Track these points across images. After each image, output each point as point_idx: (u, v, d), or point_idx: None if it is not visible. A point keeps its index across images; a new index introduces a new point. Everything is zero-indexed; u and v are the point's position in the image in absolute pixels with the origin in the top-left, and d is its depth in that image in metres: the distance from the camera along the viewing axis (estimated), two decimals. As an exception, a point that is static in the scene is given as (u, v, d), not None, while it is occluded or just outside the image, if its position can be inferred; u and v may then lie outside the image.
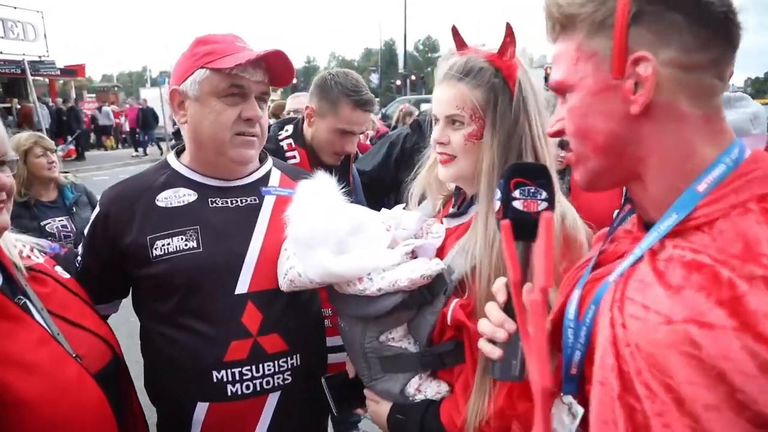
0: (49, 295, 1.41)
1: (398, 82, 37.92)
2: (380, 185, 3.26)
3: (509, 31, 1.40)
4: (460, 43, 1.51)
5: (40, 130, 16.83)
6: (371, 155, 3.50)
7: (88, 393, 1.32)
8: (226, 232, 1.64)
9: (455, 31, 1.51)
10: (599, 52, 0.90)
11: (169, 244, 1.59)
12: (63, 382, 1.28)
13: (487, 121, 1.40)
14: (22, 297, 1.34)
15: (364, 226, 1.53)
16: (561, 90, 0.97)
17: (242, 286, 1.61)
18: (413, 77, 36.40)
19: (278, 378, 1.63)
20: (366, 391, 1.63)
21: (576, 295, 1.02)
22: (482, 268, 1.35)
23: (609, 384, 0.83)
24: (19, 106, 20.20)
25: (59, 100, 22.94)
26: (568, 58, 0.94)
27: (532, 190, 1.04)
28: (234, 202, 1.70)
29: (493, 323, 1.06)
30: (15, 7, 22.88)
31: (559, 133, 1.01)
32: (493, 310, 1.07)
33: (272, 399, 1.63)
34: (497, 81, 1.40)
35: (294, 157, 2.53)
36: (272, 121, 3.35)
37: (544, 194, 1.04)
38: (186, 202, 1.66)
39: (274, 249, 1.64)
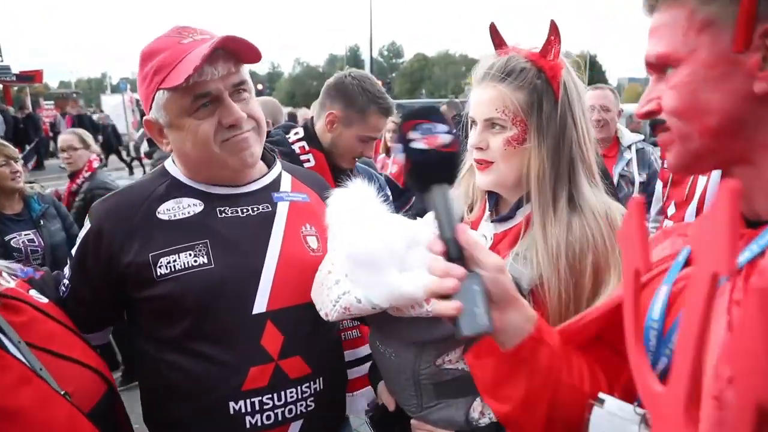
0: (26, 324, 1.24)
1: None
2: None
3: (554, 29, 1.32)
4: (499, 42, 1.41)
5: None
6: None
7: None
8: (239, 245, 1.47)
9: (494, 29, 1.40)
10: (717, 20, 0.80)
11: (175, 261, 1.41)
12: (52, 427, 1.12)
13: (531, 125, 1.32)
14: None
15: (417, 238, 1.29)
16: (661, 64, 0.88)
17: (260, 305, 1.43)
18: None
19: (301, 405, 1.47)
20: (414, 423, 1.46)
21: (664, 291, 0.90)
22: (550, 283, 1.27)
23: (726, 401, 0.67)
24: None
25: (10, 108, 22.11)
26: (676, 28, 0.84)
27: (427, 126, 0.97)
28: (245, 211, 1.52)
29: (438, 275, 0.91)
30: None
31: (650, 114, 0.91)
32: (434, 262, 0.92)
33: (294, 428, 1.47)
34: (540, 82, 1.32)
35: (308, 160, 2.38)
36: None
37: (442, 127, 0.98)
38: (191, 213, 1.48)
39: (292, 261, 1.49)
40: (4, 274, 1.36)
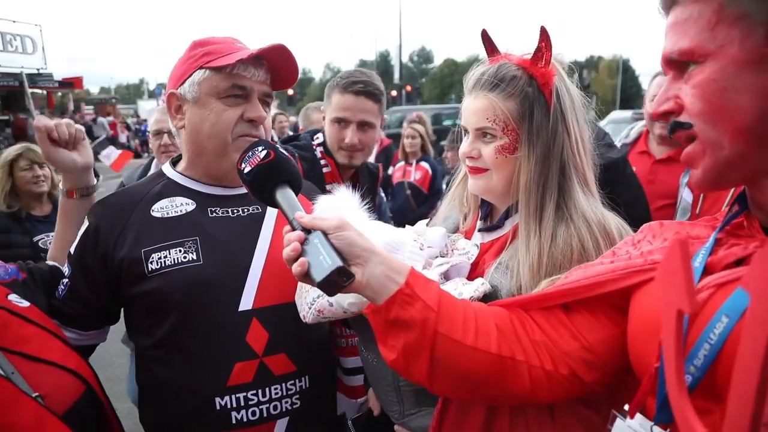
0: (0, 330, 1.23)
1: (393, 93, 38.05)
2: None
3: (544, 36, 1.30)
4: (490, 49, 1.40)
5: (35, 142, 16.89)
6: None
7: None
8: (228, 243, 1.51)
9: (485, 36, 1.40)
10: (751, 14, 0.76)
11: (166, 257, 1.46)
12: (15, 429, 1.09)
13: (522, 134, 1.30)
14: None
15: (398, 245, 1.36)
16: (684, 61, 0.83)
17: (246, 302, 1.48)
18: (408, 88, 36.48)
19: (286, 402, 1.50)
20: (397, 428, 1.49)
21: None
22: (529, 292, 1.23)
23: None
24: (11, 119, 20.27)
25: (52, 113, 23.00)
26: (702, 22, 0.80)
27: (248, 155, 1.22)
28: (235, 211, 1.58)
29: (285, 248, 1.05)
30: (14, 21, 23.09)
31: (668, 114, 0.87)
32: (284, 234, 1.08)
33: (280, 426, 1.50)
34: (531, 90, 1.30)
35: (326, 166, 2.37)
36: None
37: (260, 148, 1.22)
38: (184, 212, 1.53)
39: (279, 262, 1.49)
40: None
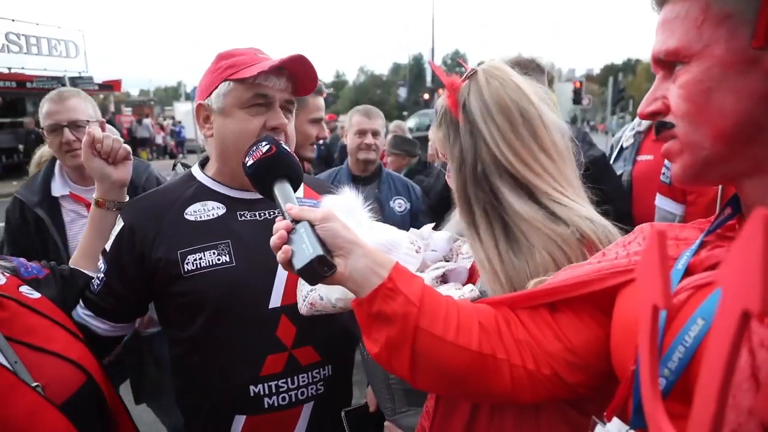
0: (7, 320, 1.28)
1: (426, 96, 38.00)
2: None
3: (435, 69, 1.35)
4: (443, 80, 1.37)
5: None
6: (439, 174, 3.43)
7: (46, 425, 1.18)
8: (257, 245, 1.58)
9: (434, 68, 1.41)
10: (736, 14, 0.74)
11: (201, 258, 1.56)
12: (9, 419, 1.13)
13: (448, 155, 1.31)
14: None
15: (393, 246, 1.42)
16: (670, 60, 0.82)
17: (276, 300, 1.60)
18: (440, 91, 36.42)
19: (312, 389, 1.65)
20: (387, 424, 1.57)
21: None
22: (495, 293, 1.21)
23: None
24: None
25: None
26: (688, 21, 0.78)
27: (252, 148, 1.32)
28: (262, 215, 1.68)
29: (275, 231, 1.11)
30: (59, 27, 23.97)
31: (655, 114, 0.85)
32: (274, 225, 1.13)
33: (306, 409, 1.65)
34: (446, 113, 1.30)
35: None
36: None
37: (263, 143, 1.31)
38: (215, 216, 1.64)
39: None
40: None
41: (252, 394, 1.58)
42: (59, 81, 19.33)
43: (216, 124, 1.64)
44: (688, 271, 0.84)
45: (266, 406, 1.59)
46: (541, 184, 1.22)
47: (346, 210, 1.45)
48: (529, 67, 2.58)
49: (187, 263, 1.56)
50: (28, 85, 21.58)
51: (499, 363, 1.01)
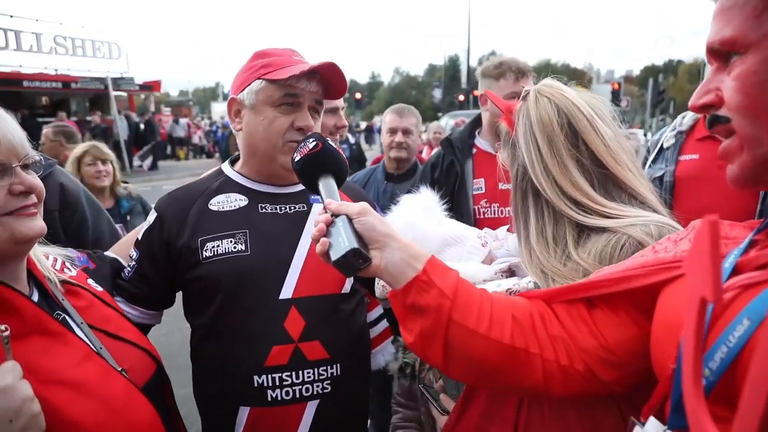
0: (87, 308, 1.36)
1: (461, 98, 37.81)
2: None
3: (492, 98, 1.48)
4: (499, 106, 1.50)
5: (118, 141, 18.26)
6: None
7: (137, 408, 1.28)
8: (275, 236, 1.66)
9: (490, 97, 1.54)
10: None
11: (218, 246, 1.62)
12: (111, 400, 1.22)
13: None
14: (60, 312, 1.29)
15: (459, 239, 1.53)
16: (726, 51, 0.79)
17: (287, 292, 1.62)
18: (475, 92, 36.19)
19: (317, 386, 1.62)
20: (443, 397, 1.58)
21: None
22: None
23: None
24: (98, 119, 21.67)
25: (133, 114, 24.43)
26: (747, 10, 0.76)
27: (301, 145, 1.39)
28: (283, 208, 1.72)
29: (315, 224, 1.16)
30: (103, 29, 24.78)
31: (707, 107, 0.83)
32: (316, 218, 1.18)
33: (311, 407, 1.62)
34: (507, 134, 1.41)
35: None
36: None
37: (311, 140, 1.37)
38: (237, 207, 1.70)
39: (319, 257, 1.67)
40: (66, 263, 1.49)
41: (256, 385, 1.58)
42: (102, 82, 19.93)
43: (246, 119, 1.70)
44: (736, 270, 0.81)
45: (269, 398, 1.59)
46: (565, 209, 1.27)
47: (423, 207, 1.63)
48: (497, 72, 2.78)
49: (206, 250, 1.62)
50: (73, 85, 22.33)
51: (531, 357, 1.02)
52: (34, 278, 1.32)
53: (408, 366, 1.84)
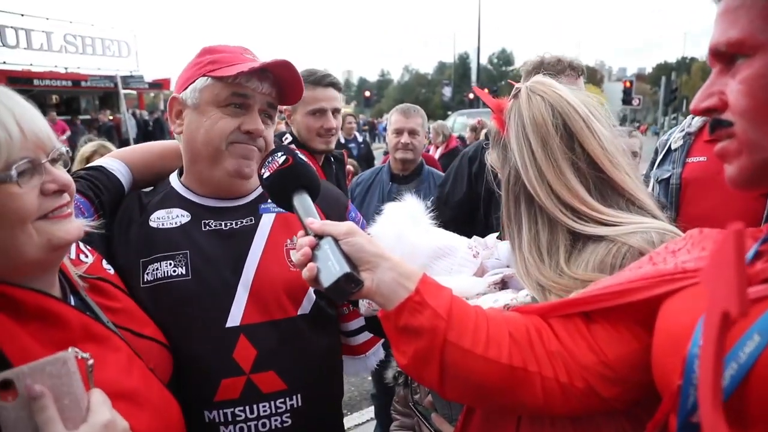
0: (113, 307, 1.26)
1: (471, 96, 37.71)
2: (473, 206, 3.16)
3: (479, 94, 1.41)
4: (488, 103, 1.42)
5: (127, 140, 18.35)
6: (456, 179, 3.30)
7: (172, 409, 1.23)
8: (218, 258, 1.49)
9: (478, 93, 1.47)
10: None
11: (157, 269, 1.46)
12: (158, 406, 1.16)
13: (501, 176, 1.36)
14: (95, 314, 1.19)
15: (450, 251, 1.45)
16: (732, 53, 0.78)
17: (234, 319, 1.46)
18: (486, 90, 36.01)
19: (275, 420, 1.47)
20: (434, 416, 1.51)
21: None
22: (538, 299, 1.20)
23: None
24: (111, 117, 21.83)
25: (144, 112, 24.57)
26: (755, 10, 0.74)
27: (268, 160, 1.26)
28: (228, 224, 1.55)
29: (298, 248, 1.09)
30: (112, 27, 24.92)
31: (711, 111, 0.81)
32: (298, 238, 1.12)
33: None
34: (497, 133, 1.35)
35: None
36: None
37: (279, 154, 1.25)
38: (178, 224, 1.53)
39: (270, 276, 1.50)
40: (81, 246, 1.33)
41: (207, 420, 1.43)
42: (112, 80, 20.04)
43: (187, 120, 1.53)
44: None
45: None
46: (560, 217, 1.20)
47: (409, 216, 1.53)
48: (556, 68, 2.49)
49: (147, 273, 1.47)
50: (83, 84, 22.48)
51: (530, 375, 0.99)
52: (64, 277, 1.19)
53: (401, 375, 1.78)
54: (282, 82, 1.54)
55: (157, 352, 1.31)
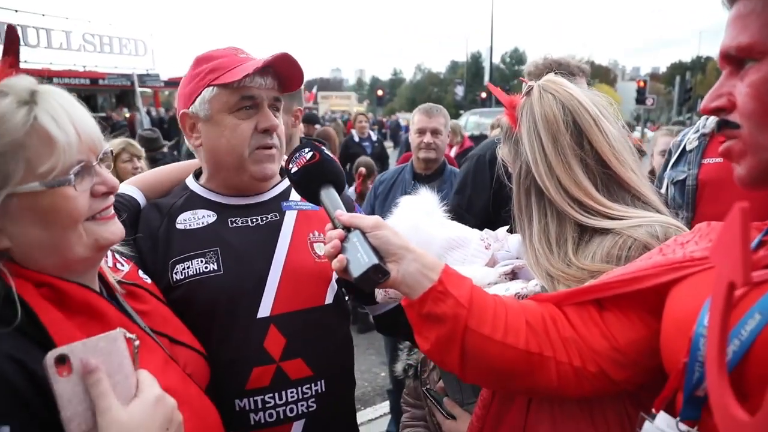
0: (149, 312, 1.29)
1: (483, 95, 37.57)
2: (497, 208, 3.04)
3: (493, 91, 1.45)
4: (502, 99, 1.47)
5: (141, 136, 18.44)
6: (476, 184, 3.17)
7: (210, 413, 1.25)
8: (247, 252, 1.57)
9: (492, 90, 1.49)
10: None
11: (188, 267, 1.53)
12: (196, 406, 1.18)
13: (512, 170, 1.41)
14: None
15: (463, 242, 1.51)
16: (741, 57, 0.81)
17: (264, 310, 1.53)
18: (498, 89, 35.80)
19: (302, 405, 1.55)
20: (446, 400, 1.58)
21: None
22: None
23: None
24: (127, 115, 22.09)
25: (162, 109, 24.79)
26: (765, 17, 0.77)
27: (296, 155, 1.30)
28: (254, 220, 1.63)
29: (326, 245, 1.14)
30: (130, 27, 25.20)
31: (719, 110, 0.85)
32: (326, 231, 1.17)
33: (297, 427, 1.55)
34: (509, 129, 1.40)
35: None
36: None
37: (306, 150, 1.30)
38: (205, 224, 1.60)
39: (297, 268, 1.57)
40: (117, 256, 1.37)
41: (237, 409, 1.50)
42: (128, 78, 20.28)
43: (204, 132, 1.59)
44: None
45: (252, 422, 1.50)
46: (569, 210, 1.27)
47: (425, 210, 1.59)
48: (561, 69, 2.52)
49: (176, 272, 1.54)
50: (101, 82, 22.77)
51: (545, 360, 1.05)
52: (103, 282, 1.23)
53: (411, 368, 1.86)
54: (282, 73, 1.59)
55: (193, 359, 1.33)
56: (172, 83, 27.57)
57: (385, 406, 4.60)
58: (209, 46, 1.70)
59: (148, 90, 25.75)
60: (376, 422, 4.45)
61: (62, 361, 0.87)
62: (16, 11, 19.83)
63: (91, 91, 25.14)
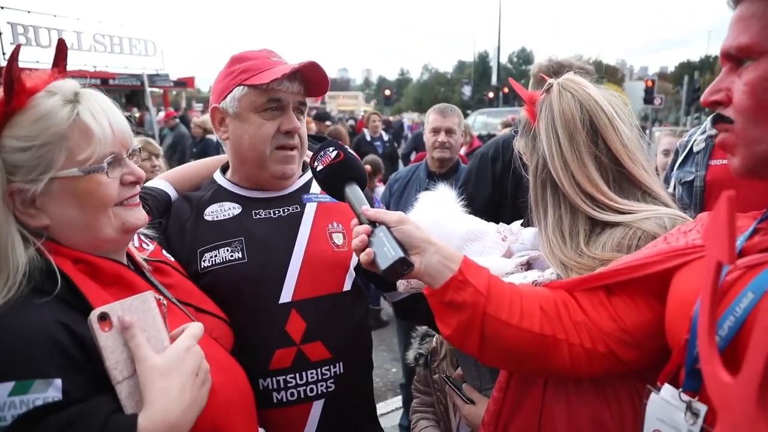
0: (174, 285, 1.42)
1: (491, 95, 37.51)
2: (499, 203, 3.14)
3: (514, 86, 1.53)
4: (522, 95, 1.53)
5: (152, 135, 18.62)
6: (479, 178, 3.25)
7: (237, 371, 1.38)
8: (270, 241, 1.67)
9: (514, 86, 1.56)
10: None
11: (216, 255, 1.64)
12: (223, 363, 1.29)
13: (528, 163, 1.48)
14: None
15: (481, 234, 1.60)
16: (740, 56, 0.86)
17: (286, 295, 1.63)
18: (505, 90, 35.77)
19: (321, 386, 1.65)
20: (465, 386, 1.66)
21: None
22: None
23: None
24: (138, 115, 22.23)
25: (170, 109, 24.95)
26: (764, 20, 0.82)
27: (321, 153, 1.38)
28: (277, 212, 1.74)
29: (354, 239, 1.21)
30: (139, 27, 25.32)
31: (717, 104, 0.90)
32: (352, 227, 1.25)
33: (317, 406, 1.65)
34: (528, 123, 1.47)
35: None
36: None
37: (331, 149, 1.37)
38: (231, 215, 1.72)
39: (316, 257, 1.67)
40: (143, 237, 1.50)
41: (261, 388, 1.60)
42: (138, 78, 20.39)
43: (231, 127, 1.71)
44: (742, 254, 0.91)
45: (275, 401, 1.61)
46: (581, 205, 1.34)
47: (444, 204, 1.69)
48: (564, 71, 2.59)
49: (204, 260, 1.65)
50: (111, 82, 22.90)
51: (558, 342, 1.13)
52: (131, 261, 1.37)
53: (422, 357, 1.95)
54: (308, 79, 1.70)
55: (218, 325, 1.45)
56: (181, 83, 27.78)
57: (396, 401, 4.70)
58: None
59: (158, 90, 25.90)
60: (388, 416, 4.54)
61: (103, 318, 1.02)
62: (29, 12, 19.98)
63: (101, 90, 25.25)
